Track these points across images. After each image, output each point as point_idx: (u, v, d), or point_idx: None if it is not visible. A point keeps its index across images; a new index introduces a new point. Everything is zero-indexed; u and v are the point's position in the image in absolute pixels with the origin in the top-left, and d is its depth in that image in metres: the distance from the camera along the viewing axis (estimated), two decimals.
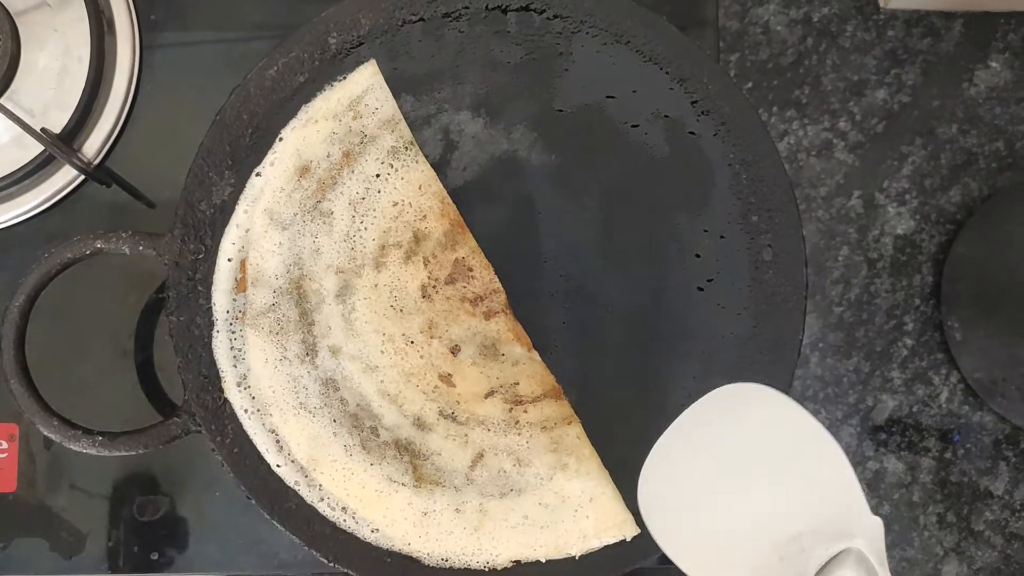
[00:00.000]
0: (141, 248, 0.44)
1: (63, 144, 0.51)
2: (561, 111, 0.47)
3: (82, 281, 0.51)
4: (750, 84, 0.70)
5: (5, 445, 0.52)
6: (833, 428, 0.69)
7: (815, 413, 0.70)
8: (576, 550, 0.42)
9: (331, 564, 0.42)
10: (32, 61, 0.52)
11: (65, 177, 0.53)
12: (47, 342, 0.51)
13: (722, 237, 0.46)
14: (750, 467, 0.40)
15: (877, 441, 0.69)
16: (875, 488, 0.69)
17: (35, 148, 0.52)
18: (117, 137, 0.54)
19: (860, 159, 0.71)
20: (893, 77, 0.71)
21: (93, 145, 0.53)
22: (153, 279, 0.52)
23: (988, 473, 0.68)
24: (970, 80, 0.71)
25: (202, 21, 0.55)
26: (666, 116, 0.46)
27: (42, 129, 0.51)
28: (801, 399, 0.70)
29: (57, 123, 0.52)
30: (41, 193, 0.53)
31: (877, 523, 0.39)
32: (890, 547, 0.68)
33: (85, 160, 0.53)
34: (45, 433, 0.43)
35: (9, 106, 0.51)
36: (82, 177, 0.53)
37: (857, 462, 0.69)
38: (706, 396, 0.39)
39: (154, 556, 0.51)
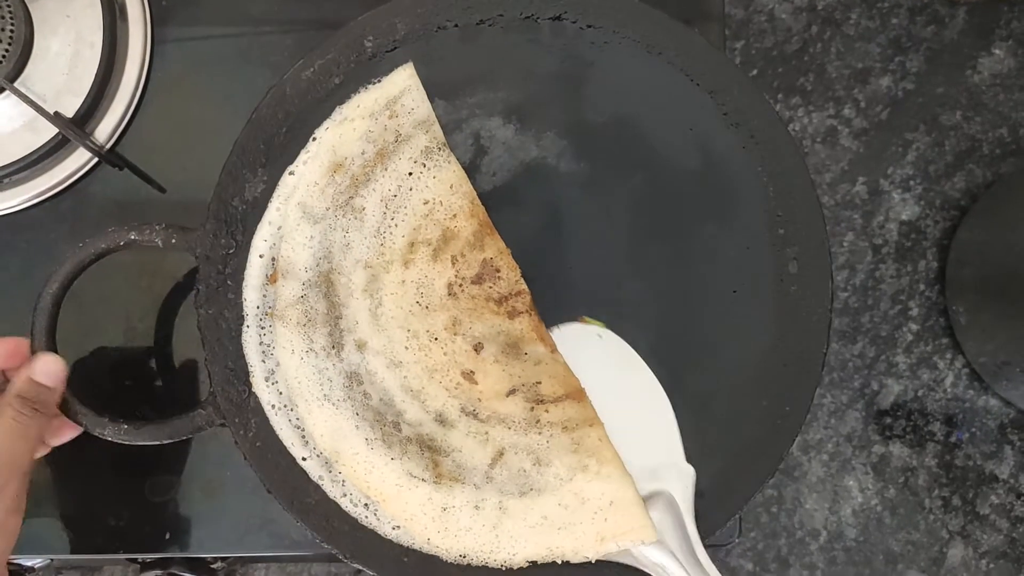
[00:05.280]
0: (174, 241, 0.44)
1: (76, 127, 0.52)
2: (591, 120, 0.47)
3: (108, 273, 0.52)
4: (755, 71, 0.71)
5: None
6: (839, 413, 0.70)
7: (820, 397, 0.71)
8: (593, 553, 0.42)
9: (349, 561, 0.42)
10: (45, 47, 0.53)
11: (77, 161, 0.53)
12: (72, 331, 0.51)
13: (747, 249, 0.46)
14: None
15: (882, 426, 0.69)
16: (880, 472, 0.69)
17: (48, 132, 0.52)
18: (129, 122, 0.54)
19: (865, 146, 0.71)
20: (897, 65, 0.71)
21: (104, 130, 0.54)
22: (178, 271, 0.53)
23: (993, 457, 0.69)
24: (974, 67, 0.71)
25: (213, 8, 0.56)
26: (695, 127, 0.46)
27: (55, 113, 0.51)
28: None
29: (70, 108, 0.52)
30: (54, 176, 0.53)
31: (690, 472, 0.41)
32: (896, 530, 0.69)
33: (97, 144, 0.53)
34: (71, 420, 0.43)
35: (23, 90, 0.51)
36: (94, 161, 0.53)
37: (862, 446, 0.69)
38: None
39: (166, 536, 0.52)
